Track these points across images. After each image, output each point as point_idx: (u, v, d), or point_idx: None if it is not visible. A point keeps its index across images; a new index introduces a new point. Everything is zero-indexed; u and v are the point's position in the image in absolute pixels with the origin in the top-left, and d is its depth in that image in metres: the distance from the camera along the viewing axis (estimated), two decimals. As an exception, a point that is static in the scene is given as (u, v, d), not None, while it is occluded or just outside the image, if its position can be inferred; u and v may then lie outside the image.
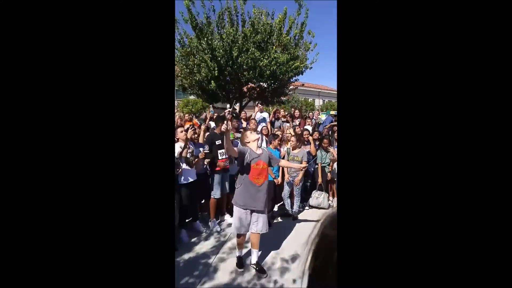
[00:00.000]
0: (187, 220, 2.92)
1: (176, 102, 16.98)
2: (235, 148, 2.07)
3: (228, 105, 2.34)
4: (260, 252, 2.35)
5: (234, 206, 2.16)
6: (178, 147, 2.60)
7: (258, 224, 2.13)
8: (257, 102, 5.88)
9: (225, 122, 1.95)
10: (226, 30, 6.07)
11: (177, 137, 2.68)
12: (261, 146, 3.29)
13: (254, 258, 2.20)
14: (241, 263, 2.23)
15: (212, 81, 6.41)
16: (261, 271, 2.16)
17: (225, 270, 2.21)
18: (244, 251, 2.39)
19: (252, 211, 2.12)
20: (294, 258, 2.43)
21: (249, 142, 2.16)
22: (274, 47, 6.46)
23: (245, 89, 7.65)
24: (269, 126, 4.41)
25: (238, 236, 2.19)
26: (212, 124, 3.77)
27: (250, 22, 6.15)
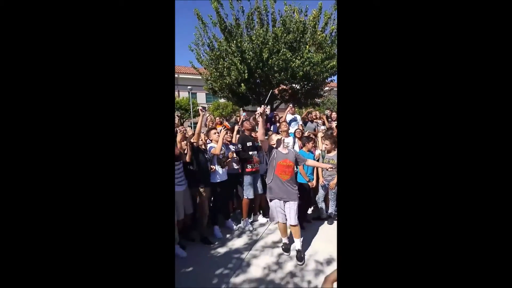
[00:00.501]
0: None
1: (206, 105, 17.95)
2: (266, 142, 2.46)
3: (258, 108, 2.63)
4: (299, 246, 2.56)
5: (268, 197, 2.61)
6: (211, 147, 2.96)
7: (291, 216, 2.49)
8: (288, 104, 6.06)
9: (258, 116, 2.28)
10: (256, 32, 6.34)
11: (210, 139, 3.07)
12: (293, 148, 3.51)
13: (297, 245, 2.56)
14: (287, 248, 2.65)
15: (242, 84, 6.79)
16: (300, 259, 2.49)
17: (258, 266, 2.42)
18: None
19: (284, 202, 2.51)
20: (328, 262, 2.55)
21: (274, 144, 2.57)
22: (307, 46, 6.52)
23: (276, 91, 7.90)
24: (301, 128, 4.59)
25: (279, 226, 2.62)
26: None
27: (281, 21, 6.34)
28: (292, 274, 2.31)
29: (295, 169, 2.69)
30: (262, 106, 2.54)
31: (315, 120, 5.22)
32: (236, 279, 2.23)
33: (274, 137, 2.63)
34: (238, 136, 3.59)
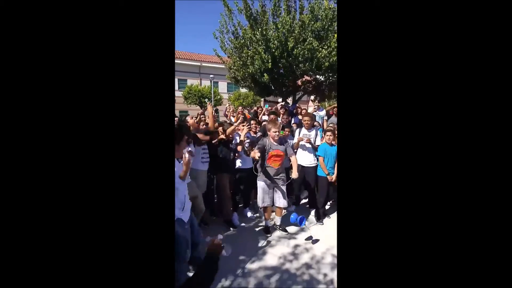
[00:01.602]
0: (240, 205, 3.29)
1: (227, 95, 18.07)
2: (256, 150, 2.54)
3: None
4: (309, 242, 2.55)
5: (258, 181, 2.79)
6: (237, 136, 3.07)
7: (281, 200, 2.78)
8: (312, 97, 5.91)
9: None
10: (282, 19, 6.17)
11: (238, 129, 3.14)
12: (315, 142, 3.45)
13: (278, 221, 2.93)
14: (268, 230, 2.90)
15: (265, 73, 6.73)
16: (284, 230, 2.88)
17: (274, 255, 2.45)
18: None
19: (274, 187, 2.78)
20: (346, 256, 2.52)
21: (270, 132, 2.72)
22: (336, 35, 6.33)
23: (299, 82, 7.76)
24: (325, 124, 4.50)
25: (264, 209, 2.83)
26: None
27: (309, 8, 6.14)
28: (308, 266, 2.31)
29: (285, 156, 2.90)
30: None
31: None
32: (251, 265, 2.27)
33: (272, 127, 2.75)
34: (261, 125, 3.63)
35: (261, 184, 2.79)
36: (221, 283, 2.01)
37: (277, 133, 2.70)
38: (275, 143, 2.75)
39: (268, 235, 2.84)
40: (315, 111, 5.01)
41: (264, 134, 3.32)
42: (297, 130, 3.55)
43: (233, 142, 3.09)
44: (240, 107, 6.13)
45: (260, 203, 2.82)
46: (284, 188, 2.80)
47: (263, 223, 3.10)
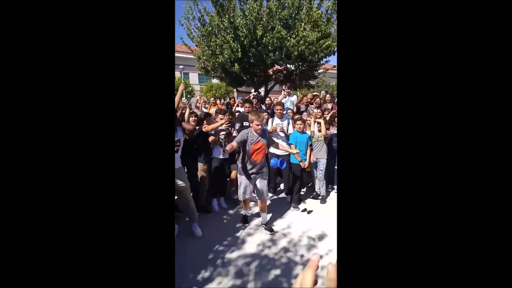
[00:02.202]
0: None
1: (199, 86, 17.61)
2: (234, 143, 2.48)
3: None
4: (288, 229, 2.64)
5: (239, 176, 2.68)
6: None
7: (263, 193, 2.70)
8: (284, 85, 5.97)
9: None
10: (249, 5, 6.07)
11: (217, 120, 3.14)
12: (287, 130, 3.52)
13: (264, 219, 2.80)
14: (246, 220, 2.90)
15: (236, 63, 6.63)
16: (270, 230, 2.72)
17: (253, 243, 2.50)
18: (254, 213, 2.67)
19: (255, 181, 2.68)
20: (320, 237, 2.65)
21: (252, 123, 2.57)
22: (303, 24, 6.38)
23: (270, 72, 7.77)
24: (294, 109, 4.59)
25: (244, 201, 2.80)
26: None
27: None
28: (285, 249, 2.40)
29: (267, 148, 2.88)
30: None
31: (310, 106, 5.20)
32: (231, 255, 2.30)
33: (254, 118, 2.60)
34: (237, 114, 3.63)
35: (242, 179, 2.68)
36: (201, 275, 2.02)
37: (259, 126, 2.54)
38: (258, 136, 2.60)
39: (247, 224, 2.87)
40: (285, 97, 5.08)
41: (242, 124, 3.32)
42: (270, 120, 3.59)
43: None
44: (212, 98, 6.01)
45: (241, 197, 2.72)
46: (266, 181, 2.73)
47: (241, 213, 3.14)
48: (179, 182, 2.45)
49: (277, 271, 2.08)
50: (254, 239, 2.57)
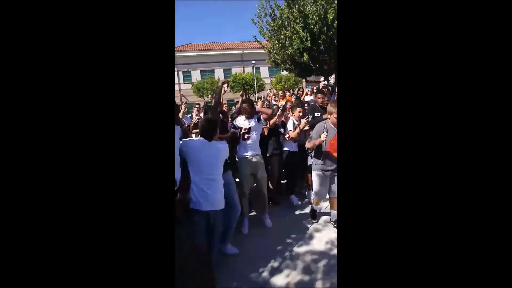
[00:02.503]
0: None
1: (269, 79, 17.99)
2: (316, 141, 2.35)
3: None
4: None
5: (314, 171, 2.54)
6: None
7: (336, 188, 2.46)
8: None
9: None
10: (320, -9, 5.91)
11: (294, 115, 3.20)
12: None
13: (333, 216, 2.64)
14: (315, 215, 2.79)
15: (305, 53, 6.47)
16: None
17: (321, 240, 2.46)
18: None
19: (330, 178, 2.52)
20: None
21: (331, 116, 2.35)
22: None
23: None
24: None
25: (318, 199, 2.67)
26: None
27: None
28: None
29: None
30: None
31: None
32: (299, 249, 2.34)
33: (330, 108, 2.36)
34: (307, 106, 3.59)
35: (318, 175, 2.49)
36: (270, 264, 2.13)
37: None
38: (336, 129, 2.33)
39: (314, 221, 2.80)
40: None
41: (313, 115, 3.25)
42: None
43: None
44: (280, 92, 6.05)
45: (315, 196, 2.61)
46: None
47: (311, 207, 3.10)
48: (259, 170, 2.59)
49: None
50: (322, 236, 2.53)
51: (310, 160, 3.05)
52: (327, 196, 2.65)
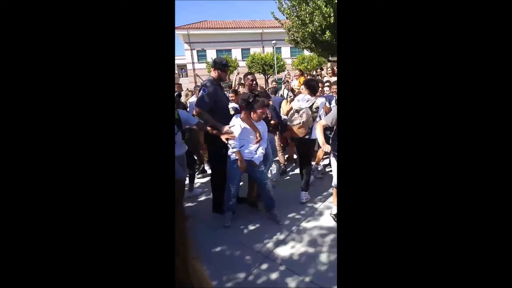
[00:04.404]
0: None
1: (290, 60, 17.45)
2: (328, 117, 2.13)
3: None
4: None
5: (333, 160, 2.26)
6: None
7: None
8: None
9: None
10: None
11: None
12: None
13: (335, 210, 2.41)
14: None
15: (327, 31, 6.17)
16: None
17: (330, 217, 2.47)
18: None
19: None
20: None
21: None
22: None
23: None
24: None
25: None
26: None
27: None
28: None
29: None
30: None
31: None
32: (307, 224, 2.36)
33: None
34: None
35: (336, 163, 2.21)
36: (276, 236, 2.18)
37: None
38: None
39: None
40: None
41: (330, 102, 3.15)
42: None
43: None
44: (297, 71, 5.81)
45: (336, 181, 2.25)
46: None
47: (322, 186, 3.09)
48: None
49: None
50: (332, 212, 2.52)
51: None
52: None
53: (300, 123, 2.53)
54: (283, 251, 2.00)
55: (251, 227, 2.38)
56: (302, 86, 2.84)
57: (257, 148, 2.39)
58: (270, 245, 2.09)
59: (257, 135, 2.35)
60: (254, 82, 2.80)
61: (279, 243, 2.11)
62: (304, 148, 2.73)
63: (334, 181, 2.30)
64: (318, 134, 2.10)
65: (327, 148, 2.04)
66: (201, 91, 2.31)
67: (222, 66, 2.38)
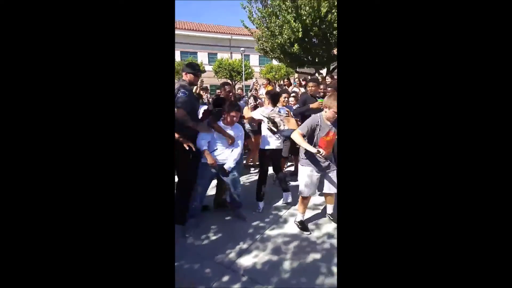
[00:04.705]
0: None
1: (259, 68, 17.75)
2: (303, 126, 2.15)
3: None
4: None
5: (304, 166, 2.27)
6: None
7: (331, 186, 2.29)
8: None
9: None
10: (315, -18, 5.83)
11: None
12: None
13: (330, 210, 2.49)
14: (305, 226, 2.36)
15: (296, 44, 6.40)
16: (334, 219, 2.47)
17: (293, 224, 2.47)
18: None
19: (322, 174, 2.29)
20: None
21: (329, 110, 2.12)
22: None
23: (334, 51, 7.27)
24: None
25: (303, 199, 2.32)
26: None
27: None
28: (329, 235, 2.29)
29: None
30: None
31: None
32: (271, 232, 2.32)
33: (332, 102, 2.10)
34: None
35: (307, 171, 2.25)
36: (239, 246, 2.10)
37: (336, 115, 2.07)
38: (330, 125, 2.14)
39: (307, 233, 2.31)
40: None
41: (304, 104, 3.18)
42: None
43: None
44: (265, 81, 5.88)
45: (305, 191, 2.28)
46: (335, 172, 2.29)
47: (298, 220, 3.04)
48: None
49: (317, 255, 2.01)
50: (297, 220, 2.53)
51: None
52: (317, 193, 2.52)
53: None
54: (246, 261, 1.93)
55: (213, 237, 2.26)
56: (265, 97, 2.93)
57: (231, 153, 2.38)
58: (232, 255, 2.00)
59: (229, 140, 2.33)
60: (231, 93, 2.96)
61: (242, 252, 2.03)
62: (278, 156, 2.82)
63: (300, 189, 2.31)
64: (301, 141, 2.09)
65: (315, 150, 2.05)
66: (180, 93, 2.18)
67: (195, 70, 2.37)
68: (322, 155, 2.04)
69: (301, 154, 2.29)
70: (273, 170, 2.90)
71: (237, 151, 2.39)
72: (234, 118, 2.32)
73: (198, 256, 1.99)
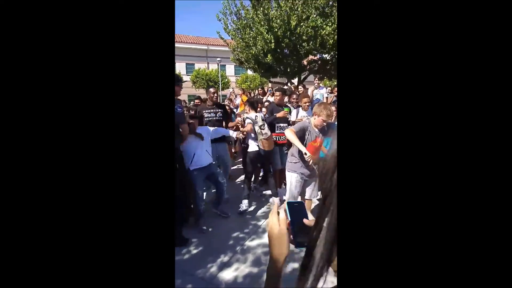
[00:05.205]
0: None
1: (235, 78, 17.87)
2: (296, 126, 2.26)
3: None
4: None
5: (291, 172, 2.37)
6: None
7: (314, 191, 2.45)
8: (314, 77, 5.77)
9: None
10: (284, -3, 6.07)
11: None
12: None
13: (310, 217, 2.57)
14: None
15: (269, 54, 6.59)
16: None
17: (273, 233, 2.53)
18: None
19: (306, 179, 2.41)
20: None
21: (318, 117, 2.21)
22: (340, 10, 6.08)
23: (305, 62, 7.56)
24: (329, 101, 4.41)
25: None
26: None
27: None
28: (305, 243, 2.38)
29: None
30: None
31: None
32: (251, 243, 2.36)
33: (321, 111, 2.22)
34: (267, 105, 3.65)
35: (294, 176, 2.33)
36: (220, 259, 2.11)
37: (325, 123, 2.16)
38: (317, 131, 2.22)
39: None
40: (316, 89, 4.92)
41: (271, 115, 3.28)
42: (294, 111, 3.51)
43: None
44: (240, 91, 6.05)
45: (289, 197, 2.40)
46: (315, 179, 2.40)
47: (266, 204, 3.16)
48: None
49: (295, 265, 2.08)
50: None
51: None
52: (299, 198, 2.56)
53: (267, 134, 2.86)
54: (227, 275, 1.94)
55: (194, 251, 2.25)
56: (246, 105, 3.07)
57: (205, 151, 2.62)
58: (214, 269, 2.00)
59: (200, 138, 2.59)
60: (215, 95, 3.28)
61: (223, 266, 2.04)
62: (270, 158, 3.05)
63: (286, 195, 2.41)
64: (294, 138, 2.15)
65: (305, 149, 2.13)
66: (178, 109, 2.29)
67: (178, 81, 2.46)
68: (309, 159, 2.14)
69: (289, 158, 2.40)
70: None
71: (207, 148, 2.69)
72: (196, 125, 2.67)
73: (179, 271, 1.97)
